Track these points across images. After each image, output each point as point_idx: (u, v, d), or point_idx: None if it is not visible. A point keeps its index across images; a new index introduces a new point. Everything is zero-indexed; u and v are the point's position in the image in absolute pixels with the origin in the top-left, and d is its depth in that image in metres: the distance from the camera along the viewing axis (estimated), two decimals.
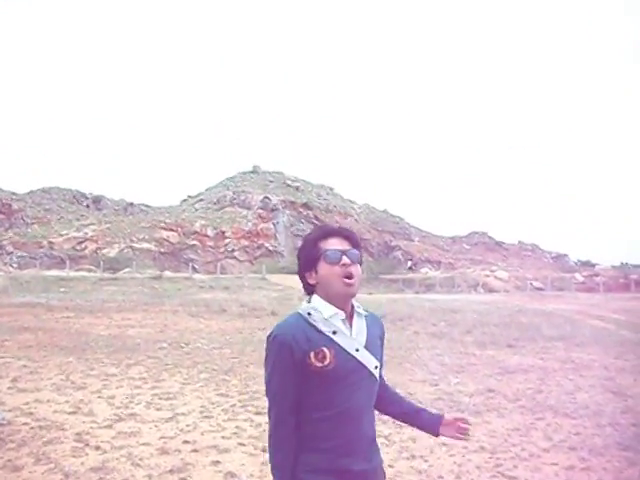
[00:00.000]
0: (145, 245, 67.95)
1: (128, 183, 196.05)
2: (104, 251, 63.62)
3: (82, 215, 75.48)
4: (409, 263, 73.34)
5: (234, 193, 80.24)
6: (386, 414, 2.72)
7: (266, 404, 6.93)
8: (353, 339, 2.39)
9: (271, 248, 72.66)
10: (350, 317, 2.45)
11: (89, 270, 47.51)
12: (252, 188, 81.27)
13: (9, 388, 9.09)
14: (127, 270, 46.27)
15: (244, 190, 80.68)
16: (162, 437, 6.93)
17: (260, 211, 75.59)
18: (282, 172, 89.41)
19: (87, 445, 6.57)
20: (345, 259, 2.40)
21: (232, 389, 9.57)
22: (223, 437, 6.96)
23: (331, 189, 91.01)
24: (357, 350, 2.38)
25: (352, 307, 2.48)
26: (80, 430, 7.10)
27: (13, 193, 76.31)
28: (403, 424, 2.95)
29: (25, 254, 62.68)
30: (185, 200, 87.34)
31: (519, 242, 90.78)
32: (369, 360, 2.41)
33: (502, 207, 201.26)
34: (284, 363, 2.36)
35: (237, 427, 7.36)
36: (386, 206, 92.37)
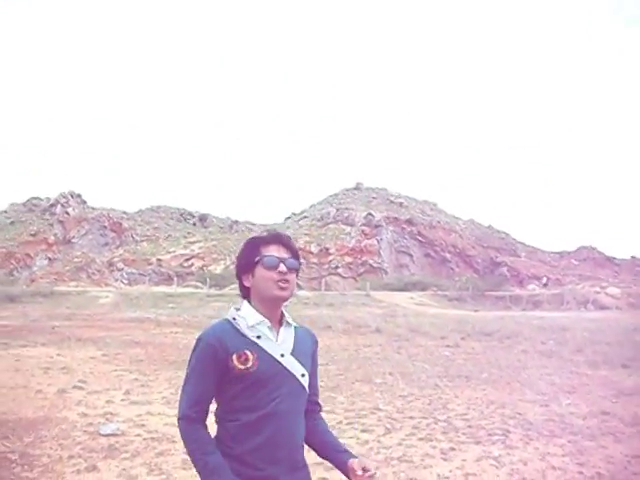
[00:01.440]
0: None
1: (233, 201, 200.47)
2: (210, 268, 65.17)
3: (189, 233, 77.67)
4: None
5: (337, 210, 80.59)
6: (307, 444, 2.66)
7: (373, 422, 6.94)
8: (278, 345, 2.46)
9: (375, 265, 72.43)
10: (279, 325, 2.53)
11: (196, 286, 48.76)
12: (355, 205, 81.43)
13: (122, 400, 9.44)
14: (233, 286, 47.15)
15: (347, 207, 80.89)
16: None
17: (363, 227, 75.56)
18: (385, 188, 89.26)
19: None
20: (282, 267, 2.50)
21: (338, 406, 9.59)
22: None
23: (435, 205, 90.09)
24: (282, 355, 2.45)
25: (282, 316, 2.56)
26: None
27: (124, 212, 79.49)
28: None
29: (135, 271, 65.07)
30: (289, 217, 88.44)
31: (632, 257, 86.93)
32: (295, 366, 2.46)
33: (613, 220, 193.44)
34: (205, 364, 2.43)
35: (344, 444, 7.35)
36: (491, 221, 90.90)
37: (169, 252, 69.58)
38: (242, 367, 2.38)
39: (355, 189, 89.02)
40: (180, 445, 7.11)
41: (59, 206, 74.41)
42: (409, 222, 78.56)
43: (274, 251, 2.56)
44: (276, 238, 2.62)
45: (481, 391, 11.20)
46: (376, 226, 76.17)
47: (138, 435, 7.42)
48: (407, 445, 7.38)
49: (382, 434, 7.89)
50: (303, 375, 2.50)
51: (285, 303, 2.56)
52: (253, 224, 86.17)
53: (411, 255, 76.89)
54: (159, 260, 67.41)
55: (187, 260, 68.25)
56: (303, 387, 2.51)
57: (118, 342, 15.86)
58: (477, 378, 12.59)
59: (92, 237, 72.21)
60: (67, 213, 73.54)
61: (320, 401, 2.76)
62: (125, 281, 62.11)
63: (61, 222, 71.93)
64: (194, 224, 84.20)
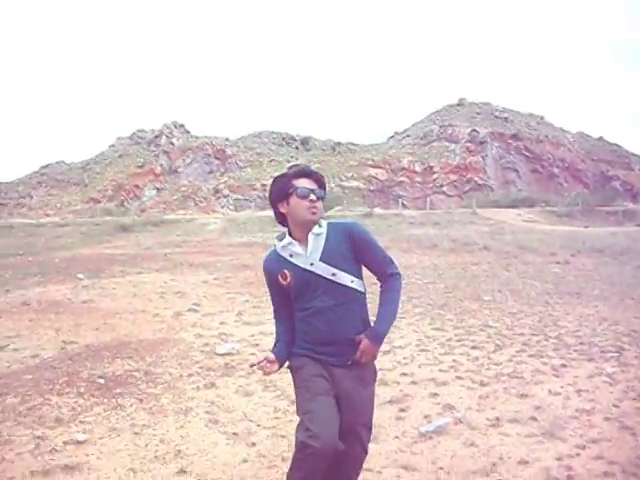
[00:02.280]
0: (354, 183, 69.19)
1: (335, 123, 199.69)
2: None
3: (292, 156, 77.92)
4: None
5: (441, 127, 78.93)
6: None
7: (483, 338, 7.00)
8: (306, 257, 3.15)
9: (480, 182, 71.03)
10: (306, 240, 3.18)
11: None
12: (459, 121, 79.41)
13: (235, 321, 9.78)
14: (338, 208, 47.44)
15: (451, 123, 79.04)
16: (381, 369, 7.13)
17: (468, 144, 73.87)
18: (489, 103, 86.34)
19: None
20: (312, 196, 3.14)
21: (447, 323, 9.63)
22: (440, 370, 7.04)
23: (542, 118, 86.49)
24: (311, 264, 3.14)
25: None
26: None
27: (226, 139, 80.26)
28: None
29: (240, 197, 66.20)
30: (392, 137, 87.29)
31: None
32: (324, 270, 3.13)
33: None
34: (268, 282, 3.33)
35: (454, 361, 7.41)
36: (602, 133, 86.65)
37: (273, 177, 70.25)
38: (284, 283, 3.20)
39: (458, 105, 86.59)
40: None
41: (164, 137, 76.03)
42: (515, 137, 76.02)
43: (305, 183, 3.17)
44: (305, 172, 3.23)
45: (593, 308, 10.96)
46: (481, 142, 74.28)
47: (252, 354, 7.68)
48: (517, 362, 7.36)
49: (492, 351, 7.88)
50: (334, 274, 3.14)
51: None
52: (355, 145, 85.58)
53: (517, 171, 74.70)
54: (263, 185, 68.28)
55: None
56: (339, 284, 3.15)
57: (228, 266, 16.34)
58: (589, 295, 12.31)
59: (197, 165, 73.58)
60: (172, 143, 75.08)
61: (391, 269, 3.34)
62: (231, 207, 63.43)
63: (166, 152, 73.59)
64: (296, 148, 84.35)
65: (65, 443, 4.89)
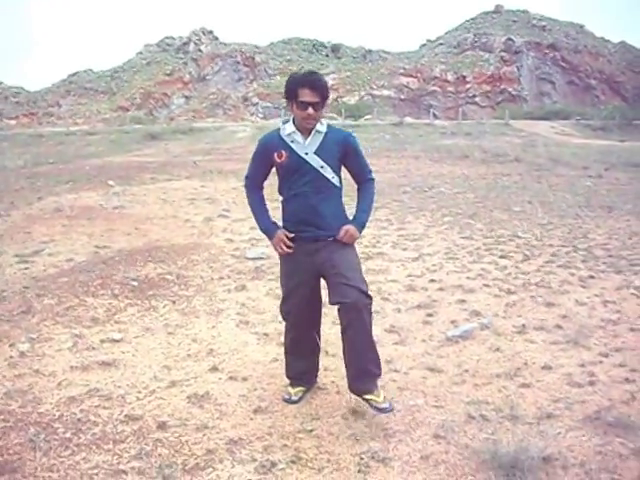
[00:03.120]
0: (385, 92, 68.22)
1: (366, 29, 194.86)
2: (344, 99, 64.81)
3: (322, 64, 76.63)
4: None
5: (475, 35, 76.76)
6: None
7: (511, 248, 7.03)
8: (304, 146, 3.67)
9: (514, 93, 69.50)
10: (309, 134, 3.69)
11: (331, 118, 48.78)
12: (494, 29, 77.09)
13: None
14: (368, 117, 46.95)
15: (485, 32, 76.82)
16: (409, 275, 7.23)
17: (503, 54, 71.91)
18: (527, 10, 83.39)
19: None
20: (310, 110, 3.57)
21: (476, 232, 9.64)
22: (468, 278, 7.11)
23: (581, 27, 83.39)
24: (306, 154, 3.67)
25: (314, 128, 3.69)
26: None
27: (256, 46, 78.96)
28: None
29: (269, 104, 65.75)
30: (424, 45, 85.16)
31: None
32: (315, 161, 3.67)
33: None
34: (260, 155, 3.87)
35: (482, 269, 7.46)
36: None
37: None
38: (279, 160, 3.73)
39: (494, 12, 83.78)
40: None
41: (192, 44, 75.00)
42: (552, 47, 73.73)
43: (306, 96, 3.55)
44: (310, 83, 3.57)
45: (624, 222, 10.86)
46: (516, 52, 72.26)
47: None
48: (545, 272, 7.39)
49: (520, 260, 7.91)
50: (322, 167, 3.68)
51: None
52: (387, 52, 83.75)
53: (553, 82, 72.84)
54: None
55: None
56: (323, 176, 3.70)
57: None
58: (620, 209, 12.18)
59: (226, 73, 72.81)
60: (200, 50, 74.12)
61: (370, 175, 3.95)
62: (260, 115, 63.11)
63: (194, 60, 72.75)
64: (327, 55, 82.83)
65: (102, 341, 5.08)
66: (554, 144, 28.57)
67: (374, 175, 4.03)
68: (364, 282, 3.75)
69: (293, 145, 3.69)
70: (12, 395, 4.11)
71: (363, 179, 3.91)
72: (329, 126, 3.77)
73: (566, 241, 9.13)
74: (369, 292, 3.75)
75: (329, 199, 3.76)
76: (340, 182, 3.82)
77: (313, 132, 3.68)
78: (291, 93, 3.61)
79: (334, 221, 3.76)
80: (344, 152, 3.75)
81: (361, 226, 3.84)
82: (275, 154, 3.73)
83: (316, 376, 4.23)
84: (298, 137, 3.69)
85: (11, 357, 4.75)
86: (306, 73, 3.67)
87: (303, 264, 3.79)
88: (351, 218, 3.88)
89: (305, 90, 3.56)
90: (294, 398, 4.01)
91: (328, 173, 3.70)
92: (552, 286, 6.79)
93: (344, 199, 3.95)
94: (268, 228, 3.93)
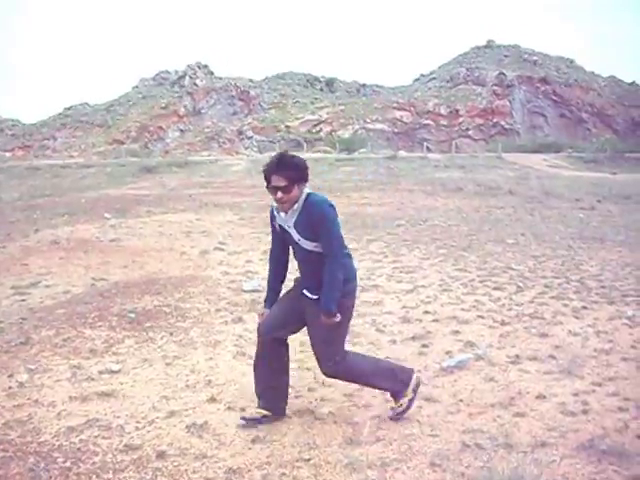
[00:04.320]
0: (378, 126, 68.71)
1: (360, 64, 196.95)
2: (339, 133, 65.28)
3: (316, 98, 77.31)
4: None
5: (468, 70, 77.65)
6: None
7: (505, 280, 7.12)
8: (285, 220, 4.01)
9: (507, 126, 70.17)
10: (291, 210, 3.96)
11: (325, 151, 49.11)
12: (486, 64, 78.10)
13: (260, 259, 9.73)
14: (362, 151, 47.24)
15: (478, 66, 77.77)
16: (404, 307, 7.29)
17: (495, 87, 72.71)
18: (518, 45, 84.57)
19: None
20: (278, 194, 3.87)
21: (470, 265, 9.71)
22: (462, 309, 7.17)
23: (572, 61, 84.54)
24: (288, 227, 4.02)
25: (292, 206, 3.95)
26: None
27: (250, 80, 79.68)
28: None
29: (264, 138, 66.10)
30: (417, 79, 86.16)
31: None
32: (294, 235, 4.01)
33: None
34: (271, 224, 4.25)
35: (476, 301, 7.52)
36: (635, 78, 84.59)
37: (297, 118, 69.97)
38: (274, 229, 4.20)
39: (486, 47, 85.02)
40: None
41: (187, 78, 75.64)
42: (543, 81, 74.63)
43: (274, 181, 3.87)
44: (276, 169, 3.87)
45: (616, 253, 10.97)
46: (508, 86, 73.09)
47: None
48: (539, 303, 7.45)
49: (514, 292, 7.98)
50: (299, 240, 3.99)
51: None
52: (381, 87, 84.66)
53: (545, 116, 73.62)
54: (287, 127, 68.05)
55: (315, 126, 68.56)
56: (303, 247, 4.01)
57: (253, 207, 16.46)
58: (613, 240, 12.30)
59: (221, 107, 73.34)
60: (195, 84, 74.72)
61: (331, 253, 3.93)
62: (255, 149, 63.40)
63: (190, 94, 73.28)
64: (321, 89, 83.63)
65: (100, 372, 5.11)
66: (546, 177, 28.85)
67: (340, 252, 4.01)
68: (331, 353, 4.08)
69: (278, 218, 4.09)
70: (11, 425, 4.14)
71: (327, 254, 3.95)
72: (308, 198, 3.95)
73: (559, 273, 9.21)
74: (336, 358, 4.08)
75: (313, 266, 4.01)
76: None
77: (290, 211, 3.95)
78: (265, 180, 3.94)
79: (317, 285, 3.98)
80: (316, 227, 3.91)
81: (327, 311, 3.90)
82: (273, 223, 4.19)
83: (283, 404, 4.31)
84: (281, 212, 4.03)
85: (10, 387, 4.79)
86: (274, 159, 3.96)
87: (296, 298, 4.18)
88: None
89: (273, 176, 3.88)
90: (246, 416, 4.20)
91: (306, 245, 3.98)
92: (545, 317, 6.86)
93: None
94: (264, 301, 4.41)
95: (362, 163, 34.14)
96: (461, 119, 70.06)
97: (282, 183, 3.83)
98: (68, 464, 3.64)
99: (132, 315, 6.71)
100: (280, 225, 4.09)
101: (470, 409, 4.43)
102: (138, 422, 4.23)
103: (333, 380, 4.49)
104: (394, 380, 4.24)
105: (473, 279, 8.72)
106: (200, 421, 4.20)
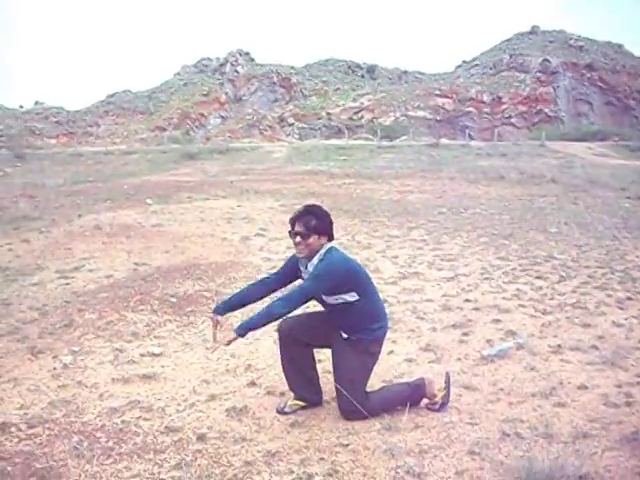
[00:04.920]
0: (420, 113, 68.19)
1: (402, 51, 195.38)
2: (380, 120, 64.97)
3: (357, 85, 77.00)
4: None
5: (511, 56, 76.49)
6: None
7: (547, 269, 7.02)
8: (307, 272, 4.04)
9: (551, 114, 69.05)
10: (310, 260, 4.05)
11: (366, 139, 48.92)
12: (530, 50, 76.78)
13: None
14: (403, 138, 46.95)
15: (522, 53, 76.53)
16: (444, 295, 7.25)
17: (539, 74, 71.55)
18: (564, 30, 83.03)
19: None
20: (297, 239, 3.99)
21: (512, 253, 9.61)
22: (504, 298, 7.11)
23: (620, 47, 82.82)
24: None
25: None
26: None
27: (292, 67, 79.62)
28: None
29: (305, 125, 66.09)
30: (460, 66, 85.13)
31: None
32: None
33: None
34: (289, 261, 4.31)
35: (518, 289, 7.45)
36: None
37: (338, 105, 69.82)
38: (289, 264, 4.27)
39: (530, 33, 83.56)
40: None
41: (229, 65, 75.87)
42: (589, 67, 73.19)
43: (297, 227, 3.99)
44: (300, 215, 4.03)
45: None
46: (553, 72, 71.87)
47: None
48: (581, 293, 7.35)
49: (556, 281, 7.87)
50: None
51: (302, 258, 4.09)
52: (422, 74, 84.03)
53: (590, 103, 72.23)
54: (328, 114, 67.95)
55: (356, 113, 68.32)
56: (324, 301, 4.06)
57: (294, 193, 16.47)
58: None
59: (262, 94, 73.46)
60: (236, 71, 74.92)
61: (289, 293, 4.11)
62: (296, 136, 63.40)
63: (231, 81, 73.55)
64: (362, 76, 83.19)
65: (142, 355, 5.20)
66: (591, 165, 28.32)
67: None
68: (353, 390, 3.97)
69: (301, 265, 4.15)
70: (56, 405, 4.24)
71: (288, 291, 4.28)
72: (329, 253, 4.03)
73: (603, 262, 9.06)
74: (359, 398, 3.97)
75: (341, 315, 4.08)
76: (353, 297, 4.02)
77: (310, 262, 4.04)
78: (290, 224, 4.08)
79: (349, 328, 4.09)
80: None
81: (236, 330, 3.91)
82: (292, 263, 4.24)
83: (318, 396, 4.33)
84: (302, 263, 4.13)
85: (54, 369, 4.90)
86: (302, 207, 4.17)
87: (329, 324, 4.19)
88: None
89: (297, 222, 4.01)
90: (286, 409, 4.20)
91: (328, 299, 4.04)
92: (588, 307, 6.76)
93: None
94: (216, 306, 4.33)
95: (403, 151, 33.94)
96: (504, 106, 69.14)
97: (302, 229, 3.97)
98: (110, 444, 3.71)
99: (173, 299, 6.79)
100: (301, 272, 4.18)
101: (510, 398, 4.39)
102: (179, 405, 4.29)
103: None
104: (411, 395, 4.22)
105: (515, 268, 8.63)
106: (240, 405, 4.25)
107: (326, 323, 4.17)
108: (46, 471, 3.38)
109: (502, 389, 4.55)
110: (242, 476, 3.36)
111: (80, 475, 3.35)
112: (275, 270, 4.54)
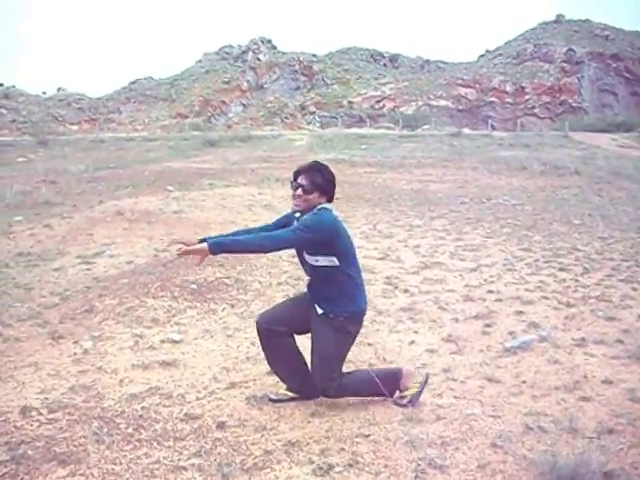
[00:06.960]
0: (442, 102, 67.77)
1: (424, 40, 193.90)
2: (402, 109, 64.67)
3: (380, 74, 76.59)
4: None
5: (535, 46, 75.66)
6: None
7: (571, 261, 6.91)
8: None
9: (575, 104, 68.30)
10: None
11: (388, 128, 48.69)
12: (555, 40, 75.89)
13: None
14: (425, 127, 46.70)
15: (546, 42, 75.65)
16: (467, 285, 7.19)
17: (563, 64, 70.76)
18: (589, 20, 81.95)
19: (396, 288, 7.07)
20: (298, 191, 3.90)
21: (535, 245, 9.52)
22: (526, 289, 7.04)
23: None
24: None
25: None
26: (389, 274, 7.61)
27: (313, 55, 79.30)
28: None
29: (326, 114, 65.89)
30: (483, 55, 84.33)
31: None
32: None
33: None
34: (286, 215, 4.30)
35: (541, 281, 7.37)
36: None
37: (360, 94, 69.55)
38: (287, 216, 4.23)
39: (555, 22, 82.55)
40: (380, 276, 7.50)
41: (250, 53, 75.70)
42: (615, 57, 72.21)
43: (300, 180, 3.91)
44: (306, 169, 3.95)
45: None
46: (577, 62, 71.03)
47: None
48: (606, 285, 7.25)
49: (580, 274, 7.78)
50: (302, 255, 4.01)
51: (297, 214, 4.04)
52: (445, 63, 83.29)
53: (615, 94, 71.32)
54: (350, 102, 67.75)
55: (378, 102, 68.05)
56: (306, 261, 3.98)
57: None
58: None
59: (283, 82, 73.29)
60: (258, 59, 74.75)
61: (290, 230, 3.90)
62: (318, 124, 63.25)
63: (253, 68, 73.40)
64: (384, 65, 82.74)
65: (162, 342, 5.19)
66: (615, 157, 27.98)
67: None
68: (327, 371, 3.94)
69: (295, 223, 4.01)
70: (76, 390, 4.24)
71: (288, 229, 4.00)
72: (319, 211, 3.92)
73: (628, 255, 8.94)
74: (332, 375, 3.96)
75: (321, 281, 4.00)
76: (332, 262, 3.90)
77: (302, 217, 3.95)
78: (294, 177, 4.00)
79: (325, 300, 3.96)
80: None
81: (209, 245, 3.64)
82: (290, 215, 4.18)
83: (308, 389, 4.17)
84: (297, 218, 4.04)
85: (75, 354, 4.91)
86: (309, 162, 4.12)
87: (307, 304, 4.06)
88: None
89: (301, 175, 3.93)
90: (272, 396, 4.18)
91: (309, 259, 3.95)
92: (613, 300, 6.67)
93: None
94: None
95: (425, 140, 33.72)
96: (527, 97, 68.49)
97: (305, 182, 3.88)
98: (130, 430, 3.70)
99: (194, 286, 6.78)
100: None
101: (533, 391, 4.33)
102: (199, 392, 4.27)
103: (394, 357, 4.44)
104: (387, 384, 4.06)
105: (538, 259, 8.54)
106: (260, 393, 4.23)
107: (302, 306, 4.06)
108: (66, 456, 3.37)
109: (525, 382, 4.49)
110: (262, 465, 3.33)
111: (100, 460, 3.34)
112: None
